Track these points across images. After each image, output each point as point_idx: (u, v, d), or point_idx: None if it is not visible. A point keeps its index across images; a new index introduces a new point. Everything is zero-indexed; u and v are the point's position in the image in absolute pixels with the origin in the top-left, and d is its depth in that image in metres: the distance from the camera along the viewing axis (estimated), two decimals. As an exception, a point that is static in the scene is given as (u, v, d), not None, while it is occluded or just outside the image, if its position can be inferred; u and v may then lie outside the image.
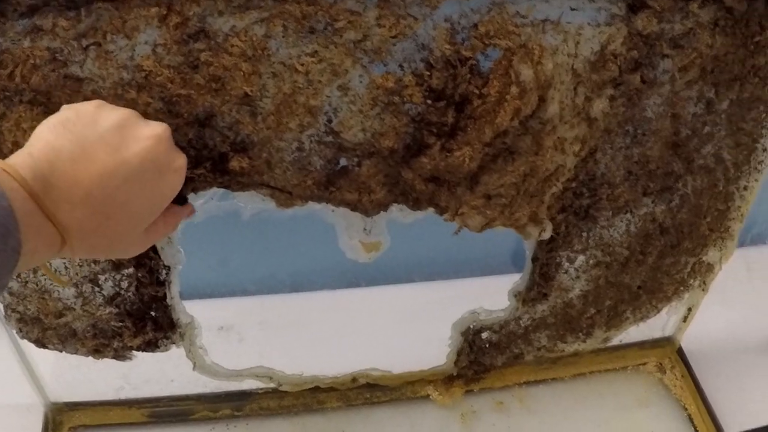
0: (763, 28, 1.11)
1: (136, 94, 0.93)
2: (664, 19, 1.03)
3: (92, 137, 0.79)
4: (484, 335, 1.52)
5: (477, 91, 0.99)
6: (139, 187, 0.82)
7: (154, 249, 1.19)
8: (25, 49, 0.90)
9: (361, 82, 0.97)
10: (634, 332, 1.66)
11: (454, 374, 1.65)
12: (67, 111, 0.82)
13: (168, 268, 1.24)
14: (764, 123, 1.29)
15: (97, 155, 0.78)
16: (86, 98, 0.92)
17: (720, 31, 1.08)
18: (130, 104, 0.92)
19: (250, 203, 1.13)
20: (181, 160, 0.89)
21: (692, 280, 1.56)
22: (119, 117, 0.83)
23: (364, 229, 1.23)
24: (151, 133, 0.84)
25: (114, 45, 0.91)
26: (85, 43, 0.90)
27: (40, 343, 1.32)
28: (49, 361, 1.51)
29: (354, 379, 1.60)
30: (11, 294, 1.23)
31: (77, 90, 0.92)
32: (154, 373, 1.61)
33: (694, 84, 1.15)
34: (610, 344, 1.67)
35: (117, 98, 0.93)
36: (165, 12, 0.89)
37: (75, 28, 0.89)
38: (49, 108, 0.93)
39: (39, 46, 0.90)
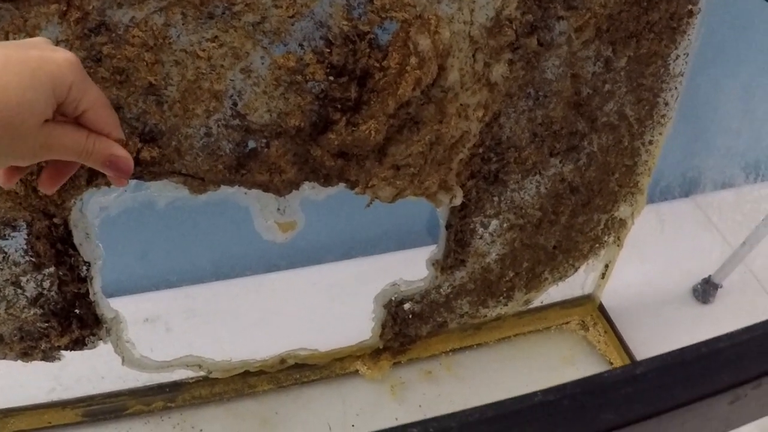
0: (654, -15, 1.14)
1: (40, 91, 0.93)
2: (556, -20, 1.06)
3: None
4: (407, 306, 1.54)
5: (377, 65, 1.00)
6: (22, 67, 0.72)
7: (73, 246, 1.19)
8: None
9: (263, 63, 0.98)
10: (554, 292, 1.70)
11: (381, 347, 1.67)
12: None
13: (88, 264, 1.23)
14: (663, 77, 1.33)
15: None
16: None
17: (613, -11, 1.11)
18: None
19: (164, 192, 1.13)
20: (68, 54, 0.78)
21: (606, 237, 1.60)
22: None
23: (278, 209, 1.24)
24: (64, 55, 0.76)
25: (15, 44, 0.90)
26: (-17, 43, 0.90)
27: (-33, 352, 1.32)
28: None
29: (282, 361, 1.61)
30: None
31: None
32: (84, 372, 1.60)
33: (591, 43, 1.18)
34: (531, 306, 1.71)
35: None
36: (65, 8, 0.89)
37: (-27, 29, 0.88)
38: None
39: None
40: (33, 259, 1.19)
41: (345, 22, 0.97)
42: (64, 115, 0.78)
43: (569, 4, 1.10)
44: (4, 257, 1.17)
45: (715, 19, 1.29)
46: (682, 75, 1.36)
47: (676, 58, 1.32)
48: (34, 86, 0.72)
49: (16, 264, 1.20)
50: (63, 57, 0.75)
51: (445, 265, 1.44)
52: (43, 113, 0.74)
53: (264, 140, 1.06)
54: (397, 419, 1.62)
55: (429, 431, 0.47)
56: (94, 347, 1.36)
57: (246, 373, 1.61)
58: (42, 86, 0.73)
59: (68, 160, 0.83)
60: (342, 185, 1.17)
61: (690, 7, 1.24)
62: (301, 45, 0.98)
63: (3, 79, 0.70)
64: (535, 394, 0.51)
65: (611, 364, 1.75)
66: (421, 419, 0.47)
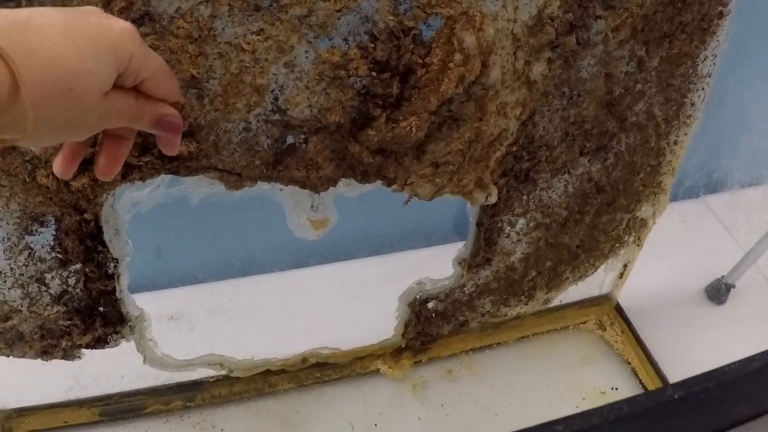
0: (690, -14, 1.14)
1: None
2: (597, -20, 1.05)
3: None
4: (431, 305, 1.54)
5: (420, 61, 1.00)
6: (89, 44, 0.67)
7: (102, 242, 1.18)
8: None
9: (306, 57, 0.97)
10: (572, 292, 1.70)
11: (402, 346, 1.66)
12: None
13: (116, 260, 1.22)
14: (691, 78, 1.33)
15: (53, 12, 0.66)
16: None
17: (649, -10, 1.11)
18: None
19: (199, 188, 1.12)
20: (126, 24, 0.73)
21: (627, 237, 1.60)
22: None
23: (312, 207, 1.24)
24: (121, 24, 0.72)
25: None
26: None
27: (-14, 349, 1.30)
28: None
29: (304, 360, 1.61)
30: None
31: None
32: (104, 371, 1.59)
33: (626, 43, 1.18)
34: (550, 305, 1.70)
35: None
36: (109, -3, 0.88)
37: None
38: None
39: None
40: (60, 256, 1.18)
41: (391, 17, 0.96)
42: (122, 85, 0.73)
43: (607, 4, 1.10)
44: (30, 254, 1.16)
45: (744, 21, 1.28)
46: (709, 76, 1.35)
47: (705, 59, 1.32)
48: (96, 56, 0.68)
49: (42, 260, 1.18)
50: (121, 26, 0.70)
51: (472, 263, 1.43)
52: (106, 84, 0.69)
53: (303, 136, 1.05)
54: (419, 419, 1.61)
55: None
56: (116, 346, 1.35)
57: (267, 372, 1.60)
58: (103, 57, 0.68)
59: (121, 139, 0.80)
60: (379, 182, 1.16)
61: (720, 8, 1.24)
62: (345, 40, 0.97)
63: (63, 47, 0.65)
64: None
65: (629, 363, 1.76)
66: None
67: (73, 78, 0.66)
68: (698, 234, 2.14)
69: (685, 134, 1.43)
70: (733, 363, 0.54)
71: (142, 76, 0.74)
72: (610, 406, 0.50)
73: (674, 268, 2.00)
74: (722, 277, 1.96)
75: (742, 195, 2.29)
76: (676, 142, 1.44)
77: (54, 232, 1.15)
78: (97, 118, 0.71)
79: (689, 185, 2.23)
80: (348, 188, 1.18)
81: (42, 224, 1.13)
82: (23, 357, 1.32)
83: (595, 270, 1.66)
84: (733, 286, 1.96)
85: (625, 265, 1.73)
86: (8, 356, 1.32)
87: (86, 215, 1.12)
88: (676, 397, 0.51)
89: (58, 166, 0.82)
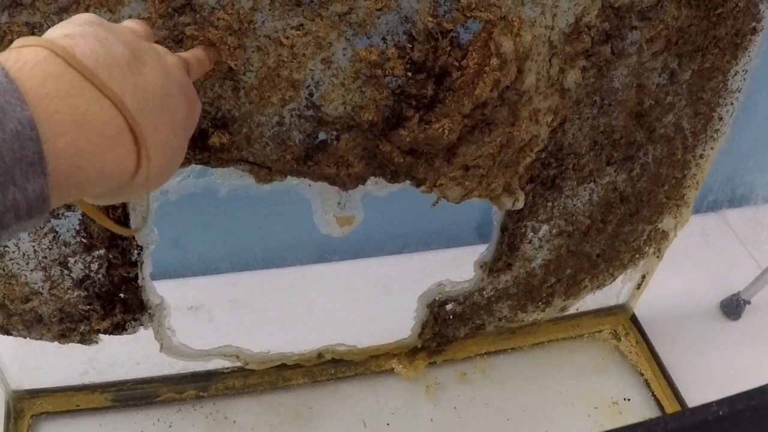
0: (725, 0, 1.14)
1: (117, 69, 0.92)
2: (634, -9, 1.05)
3: (134, 42, 0.65)
4: (449, 307, 1.54)
5: (456, 63, 1.00)
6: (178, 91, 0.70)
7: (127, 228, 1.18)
8: (2, 25, 0.87)
9: (344, 55, 0.97)
10: (589, 300, 1.70)
11: (418, 347, 1.66)
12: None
13: (140, 248, 1.23)
14: (721, 92, 1.33)
15: (145, 60, 0.64)
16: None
17: (685, 3, 1.11)
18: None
19: (228, 180, 1.13)
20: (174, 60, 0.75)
21: (648, 248, 1.60)
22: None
23: (339, 204, 1.24)
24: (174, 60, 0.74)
25: (96, 19, 0.89)
26: (66, 17, 0.88)
27: (4, 330, 1.30)
28: (11, 348, 1.49)
29: (320, 355, 1.61)
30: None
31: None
32: (119, 356, 1.59)
33: (660, 55, 1.18)
34: (566, 313, 1.71)
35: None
36: (151, -16, 0.88)
37: (56, 3, 0.87)
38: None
39: (17, 22, 0.88)
40: (84, 240, 1.19)
41: (430, 19, 0.96)
42: None
43: (643, 15, 1.09)
44: (54, 237, 1.17)
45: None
46: (739, 91, 1.35)
47: (735, 74, 1.32)
48: (185, 103, 0.71)
49: (66, 244, 1.19)
50: (174, 62, 0.72)
51: (493, 267, 1.44)
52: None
53: (335, 133, 1.06)
54: (432, 420, 1.62)
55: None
56: (134, 332, 1.36)
57: (281, 366, 1.60)
58: (185, 99, 0.71)
59: None
60: (408, 182, 1.16)
61: (754, 24, 1.24)
62: (384, 39, 0.97)
63: (176, 78, 0.69)
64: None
65: (642, 374, 1.76)
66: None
67: (183, 137, 0.70)
68: (717, 248, 2.14)
69: (712, 148, 1.43)
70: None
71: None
72: (656, 421, 0.50)
73: (691, 281, 1.99)
74: (738, 292, 1.96)
75: (766, 211, 2.28)
76: (702, 156, 1.44)
77: (80, 217, 1.15)
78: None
79: (712, 199, 2.22)
80: (376, 187, 1.19)
81: (68, 208, 1.13)
82: (40, 339, 1.33)
83: (614, 279, 1.66)
84: (749, 302, 1.95)
85: (644, 276, 1.73)
86: (25, 338, 1.32)
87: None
88: (720, 413, 0.51)
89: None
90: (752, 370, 1.78)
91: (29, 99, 0.51)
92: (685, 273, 1.97)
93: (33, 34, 0.87)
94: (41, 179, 0.51)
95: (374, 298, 1.80)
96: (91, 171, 0.56)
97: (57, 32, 0.60)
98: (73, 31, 0.60)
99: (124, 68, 0.60)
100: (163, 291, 1.33)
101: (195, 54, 0.85)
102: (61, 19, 0.85)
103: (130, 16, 0.89)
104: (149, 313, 1.33)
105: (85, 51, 0.57)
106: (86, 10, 0.88)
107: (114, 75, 0.58)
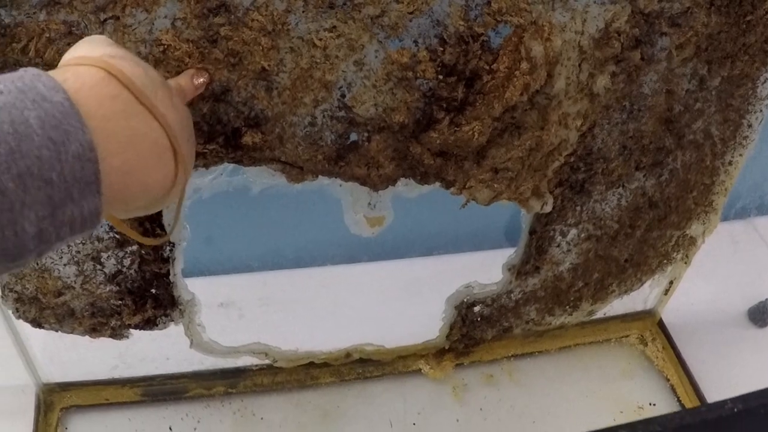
0: (755, 7, 1.14)
1: (153, 69, 0.93)
2: (664, -3, 1.06)
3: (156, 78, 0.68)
4: (477, 309, 1.55)
5: (487, 67, 1.01)
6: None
7: (161, 225, 1.20)
8: (40, 23, 0.88)
9: (376, 57, 0.98)
10: (616, 305, 1.70)
11: (446, 348, 1.67)
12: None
13: (173, 244, 1.24)
14: (750, 99, 1.33)
15: (162, 93, 0.67)
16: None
17: (715, 10, 1.11)
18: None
19: (260, 179, 1.14)
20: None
21: (676, 254, 1.60)
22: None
23: (369, 204, 1.25)
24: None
25: (133, 19, 0.90)
26: (103, 16, 0.89)
27: (37, 323, 1.32)
28: (42, 341, 1.50)
29: (348, 354, 1.62)
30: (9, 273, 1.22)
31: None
32: (150, 351, 1.60)
33: (689, 61, 1.18)
34: (593, 317, 1.71)
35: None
36: (186, -15, 0.89)
37: (93, 2, 0.88)
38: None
39: (55, 20, 0.89)
40: (117, 236, 1.20)
41: (461, 22, 0.97)
42: None
43: (673, 21, 1.10)
44: (88, 232, 1.18)
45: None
46: (768, 98, 1.36)
47: (765, 81, 1.31)
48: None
49: (99, 240, 1.20)
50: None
51: (521, 270, 1.44)
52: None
53: (366, 134, 1.07)
54: (458, 421, 1.62)
55: None
56: (165, 328, 1.37)
57: (310, 364, 1.61)
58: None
59: None
60: (437, 184, 1.17)
61: (784, 31, 1.24)
62: (415, 42, 0.98)
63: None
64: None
65: (668, 380, 1.75)
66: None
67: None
68: (745, 255, 2.13)
69: (741, 155, 1.43)
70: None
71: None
72: (672, 416, 0.50)
73: (719, 287, 1.98)
74: (766, 300, 1.95)
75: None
76: (731, 163, 1.44)
77: (114, 214, 1.16)
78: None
79: (741, 206, 2.21)
80: (406, 188, 1.20)
81: (103, 204, 1.14)
82: (71, 333, 1.34)
83: (641, 285, 1.66)
84: (775, 310, 1.95)
85: (671, 282, 1.73)
86: (57, 331, 1.34)
87: (147, 198, 1.14)
88: (735, 410, 0.51)
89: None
90: (778, 378, 1.78)
91: (89, 121, 0.54)
92: (713, 279, 1.96)
93: (71, 32, 0.89)
94: (96, 198, 0.54)
95: (403, 299, 1.80)
96: (138, 187, 0.61)
97: (97, 52, 0.63)
98: (112, 51, 0.64)
99: (160, 89, 0.65)
100: (194, 288, 1.35)
101: (178, 81, 0.89)
102: (98, 18, 0.89)
103: (165, 17, 0.90)
104: (180, 309, 1.35)
105: (134, 73, 0.61)
106: (123, 10, 0.89)
107: (158, 96, 0.63)
